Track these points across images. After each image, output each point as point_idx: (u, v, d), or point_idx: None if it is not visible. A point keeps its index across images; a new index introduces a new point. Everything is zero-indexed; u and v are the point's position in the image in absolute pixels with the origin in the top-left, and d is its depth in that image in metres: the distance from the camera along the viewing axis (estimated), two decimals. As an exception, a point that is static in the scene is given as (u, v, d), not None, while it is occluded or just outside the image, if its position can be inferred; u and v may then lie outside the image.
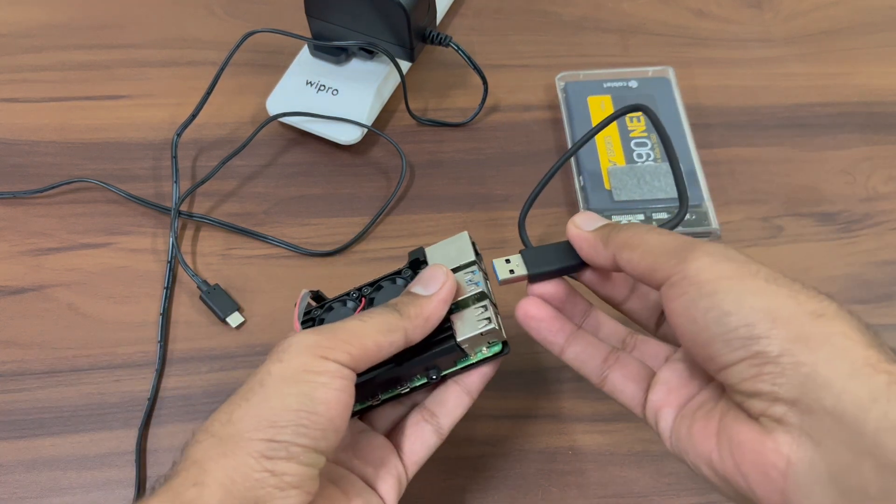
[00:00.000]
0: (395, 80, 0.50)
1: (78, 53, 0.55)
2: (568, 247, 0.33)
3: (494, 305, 0.33)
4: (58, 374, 0.42)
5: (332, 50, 0.49)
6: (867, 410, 0.23)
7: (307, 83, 0.50)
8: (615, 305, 0.34)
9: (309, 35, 0.50)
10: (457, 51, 0.49)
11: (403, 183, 0.49)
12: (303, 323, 0.35)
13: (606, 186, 0.47)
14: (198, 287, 0.44)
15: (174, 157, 0.48)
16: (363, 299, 0.34)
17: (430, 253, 0.35)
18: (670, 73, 0.53)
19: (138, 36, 0.56)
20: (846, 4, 0.59)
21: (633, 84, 0.52)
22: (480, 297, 0.33)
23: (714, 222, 0.46)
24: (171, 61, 0.54)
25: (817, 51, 0.56)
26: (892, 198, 0.49)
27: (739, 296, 0.26)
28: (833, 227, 0.48)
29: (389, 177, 0.50)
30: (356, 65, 0.50)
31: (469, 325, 0.32)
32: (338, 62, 0.50)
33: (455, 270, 0.34)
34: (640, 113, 0.49)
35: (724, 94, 0.54)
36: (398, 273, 0.35)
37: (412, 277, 0.34)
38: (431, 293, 0.31)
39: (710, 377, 0.29)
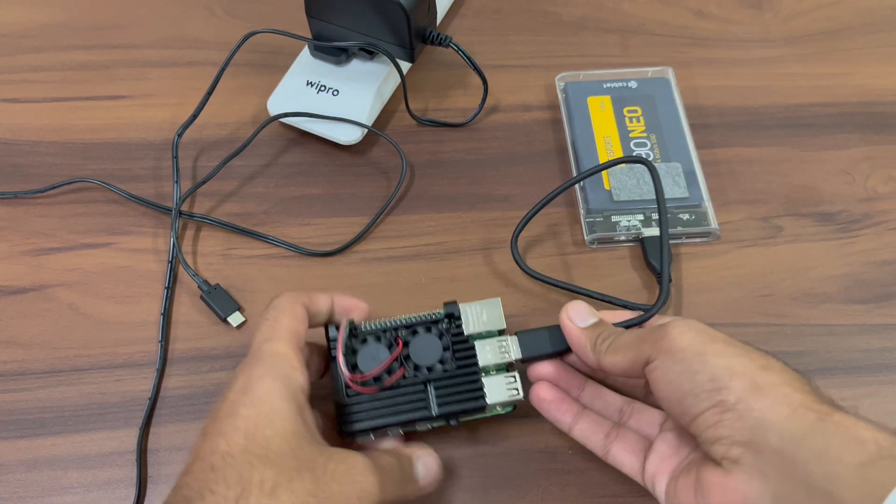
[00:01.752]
0: (396, 80, 0.50)
1: (78, 54, 0.55)
2: (558, 332, 0.38)
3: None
4: (59, 373, 0.42)
5: (332, 50, 0.50)
6: (799, 444, 0.28)
7: (308, 83, 0.50)
8: (602, 380, 0.39)
9: (309, 35, 0.50)
10: (457, 51, 0.49)
11: (403, 183, 0.49)
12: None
13: (606, 186, 0.47)
14: (199, 287, 0.44)
15: (175, 157, 0.48)
16: (399, 341, 0.37)
17: (464, 310, 0.38)
18: (670, 74, 0.53)
19: (139, 36, 0.56)
20: (846, 4, 0.59)
21: (633, 84, 0.52)
22: (510, 366, 0.38)
23: (713, 222, 0.46)
24: (172, 61, 0.55)
25: (817, 51, 0.56)
26: (891, 198, 0.49)
27: (704, 358, 0.31)
28: (832, 227, 0.48)
29: (389, 177, 0.50)
30: (356, 65, 0.50)
31: (499, 391, 0.37)
32: (338, 63, 0.50)
33: (484, 336, 0.38)
34: (640, 112, 0.50)
35: (723, 94, 0.54)
36: (434, 322, 0.38)
37: (447, 331, 0.38)
38: (423, 485, 0.36)
39: (695, 443, 0.33)
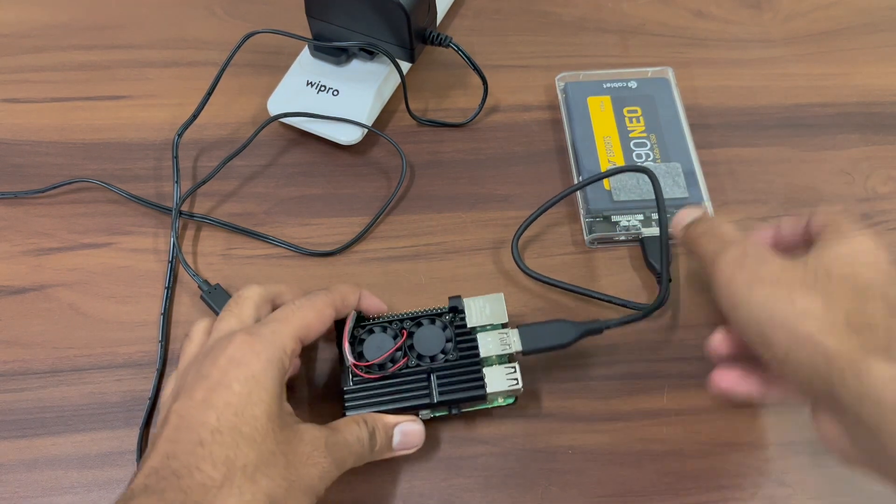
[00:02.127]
0: (396, 80, 0.50)
1: (79, 54, 0.55)
2: (559, 327, 0.40)
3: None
4: (59, 373, 0.42)
5: (332, 51, 0.50)
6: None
7: (308, 84, 0.50)
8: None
9: (309, 35, 0.50)
10: (457, 51, 0.49)
11: (403, 183, 0.49)
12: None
13: (606, 186, 0.47)
14: (199, 287, 0.44)
15: (175, 157, 0.48)
16: (404, 332, 0.39)
17: (468, 303, 0.40)
18: (669, 74, 0.53)
19: (139, 36, 0.56)
20: (845, 5, 0.59)
21: (633, 84, 0.52)
22: (511, 358, 0.39)
23: None
24: (172, 62, 0.55)
25: (816, 51, 0.57)
26: (890, 198, 0.49)
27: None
28: (832, 227, 0.48)
29: (390, 177, 0.50)
30: (356, 65, 0.50)
31: (499, 381, 0.38)
32: (338, 63, 0.50)
33: (488, 328, 0.39)
34: (639, 112, 0.50)
35: (723, 94, 0.54)
36: (438, 314, 0.40)
37: (451, 323, 0.39)
38: (399, 451, 0.38)
39: None
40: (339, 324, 0.39)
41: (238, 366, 0.33)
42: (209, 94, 0.49)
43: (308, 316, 0.36)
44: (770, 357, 0.32)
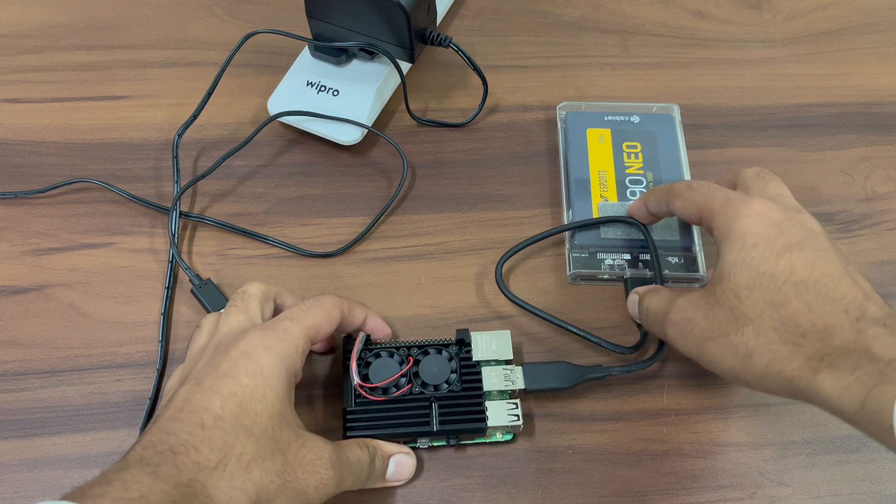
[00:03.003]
0: (396, 80, 0.51)
1: (79, 54, 0.55)
2: (562, 368, 0.40)
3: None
4: (59, 373, 0.42)
5: (332, 51, 0.50)
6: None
7: (308, 84, 0.50)
8: None
9: (309, 35, 0.50)
10: (457, 51, 0.49)
11: (405, 183, 0.49)
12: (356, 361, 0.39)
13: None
14: (189, 280, 0.44)
15: (175, 157, 0.48)
16: (410, 359, 0.39)
17: (475, 337, 0.40)
18: (675, 111, 0.51)
19: (139, 36, 0.56)
20: (845, 5, 0.59)
21: (636, 119, 0.50)
22: (513, 394, 0.39)
23: (702, 269, 0.44)
24: (172, 62, 0.55)
25: (816, 51, 0.57)
26: (890, 198, 0.49)
27: None
28: (831, 228, 0.48)
29: (390, 177, 0.50)
30: (357, 65, 0.50)
31: (500, 416, 0.38)
32: (338, 63, 0.50)
33: (493, 363, 0.40)
34: (639, 148, 0.49)
35: (723, 94, 0.54)
36: (445, 345, 0.40)
37: (457, 354, 0.40)
38: (391, 482, 0.38)
39: None
40: (347, 343, 0.40)
41: (248, 359, 0.33)
42: (209, 94, 0.49)
43: (317, 315, 0.36)
44: (750, 388, 0.34)
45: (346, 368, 0.39)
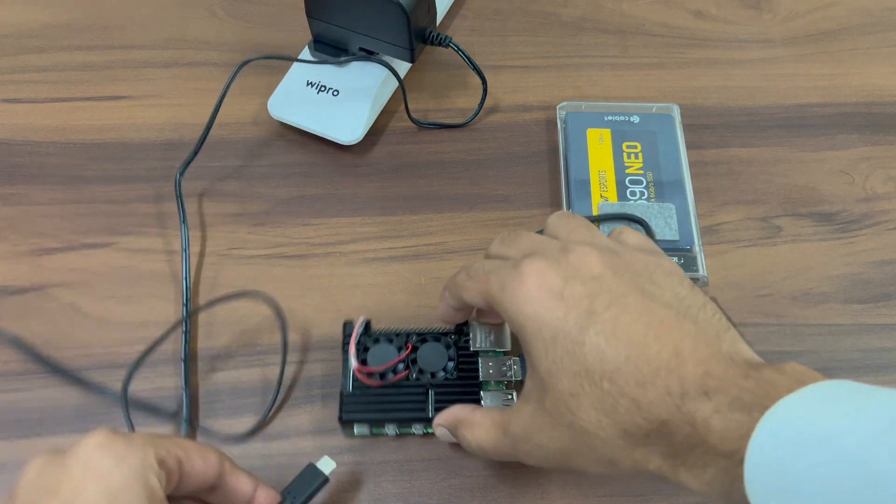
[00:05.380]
0: (395, 80, 0.51)
1: (79, 54, 0.55)
2: None
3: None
4: (59, 373, 0.42)
5: (332, 51, 0.50)
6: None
7: (308, 84, 0.50)
8: None
9: (309, 36, 0.50)
10: (456, 51, 0.49)
11: (404, 183, 0.49)
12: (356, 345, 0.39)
13: (596, 224, 0.47)
14: None
15: (179, 196, 0.47)
16: (409, 346, 0.40)
17: (473, 328, 0.40)
18: (675, 111, 0.51)
19: (139, 37, 0.56)
20: (845, 5, 0.59)
21: (635, 119, 0.50)
22: (509, 385, 0.39)
23: (702, 269, 0.44)
24: (173, 62, 0.55)
25: (816, 51, 0.57)
26: (890, 198, 0.49)
27: None
28: (831, 228, 0.48)
29: (390, 177, 0.50)
30: (357, 65, 0.50)
31: (495, 405, 0.38)
32: (338, 63, 0.50)
33: (491, 354, 0.40)
34: (639, 148, 0.49)
35: (722, 94, 0.54)
36: (444, 333, 0.40)
37: (455, 343, 0.40)
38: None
39: None
40: (347, 328, 0.40)
41: (96, 477, 0.26)
42: (209, 125, 0.47)
43: (186, 443, 0.30)
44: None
45: (345, 352, 0.39)
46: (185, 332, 0.43)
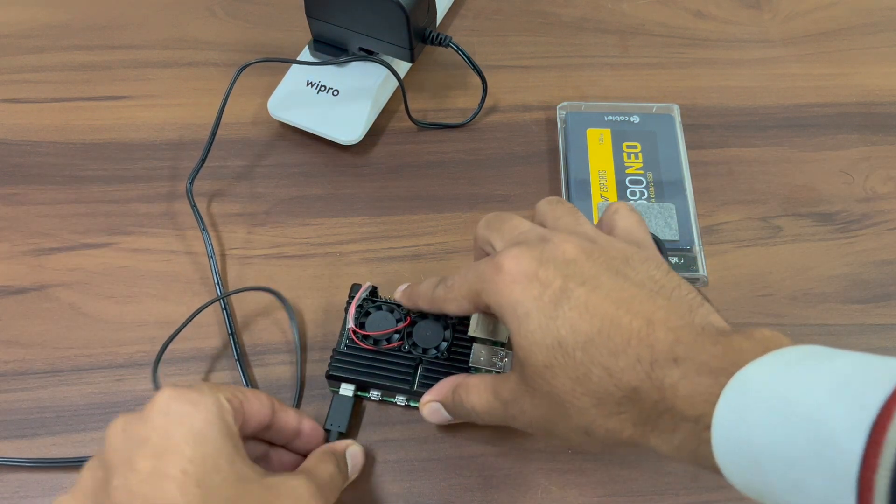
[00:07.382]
0: (395, 80, 0.51)
1: (79, 54, 0.55)
2: None
3: None
4: (59, 373, 0.42)
5: (332, 51, 0.50)
6: None
7: (308, 84, 0.50)
8: None
9: (309, 36, 0.50)
10: (456, 51, 0.49)
11: (404, 183, 0.49)
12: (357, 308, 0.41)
13: (595, 223, 0.46)
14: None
15: (193, 206, 0.47)
16: (408, 318, 0.40)
17: (474, 315, 0.40)
18: (675, 111, 0.51)
19: (139, 37, 0.56)
20: (845, 5, 0.59)
21: (635, 119, 0.50)
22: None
23: (702, 269, 0.44)
24: (173, 62, 0.55)
25: (816, 51, 0.57)
26: (890, 198, 0.49)
27: None
28: (831, 228, 0.48)
29: (390, 177, 0.50)
30: (357, 65, 0.50)
31: None
32: (338, 63, 0.50)
33: (488, 343, 0.40)
34: (639, 148, 0.49)
35: (722, 94, 0.54)
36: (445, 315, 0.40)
37: (453, 325, 0.40)
38: (351, 476, 0.37)
39: None
40: (352, 290, 0.42)
41: (180, 423, 0.28)
42: (213, 135, 0.47)
43: (246, 392, 0.33)
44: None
45: (346, 312, 0.40)
46: (225, 310, 0.43)
